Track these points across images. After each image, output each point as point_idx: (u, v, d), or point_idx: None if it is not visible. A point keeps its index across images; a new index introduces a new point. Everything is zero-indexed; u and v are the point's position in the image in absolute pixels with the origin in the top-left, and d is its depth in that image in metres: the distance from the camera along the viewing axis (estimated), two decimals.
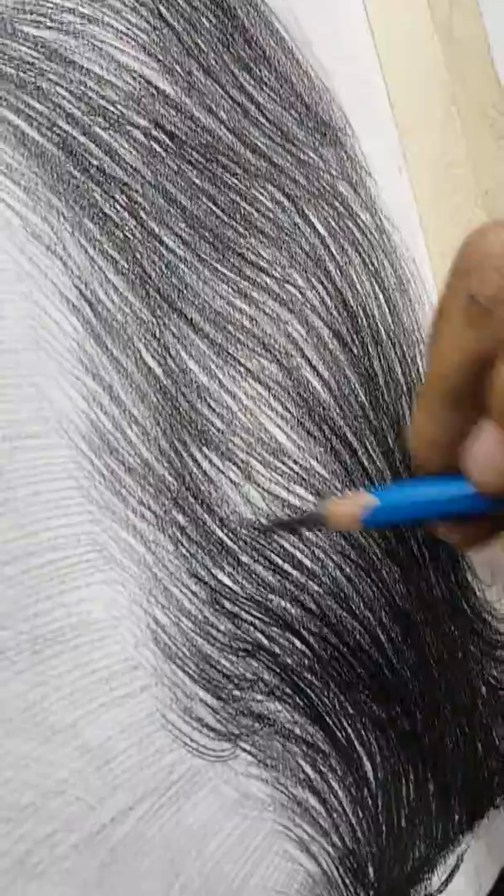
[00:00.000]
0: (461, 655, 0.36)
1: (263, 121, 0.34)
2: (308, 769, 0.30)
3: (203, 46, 0.33)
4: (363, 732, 0.32)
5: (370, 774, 0.32)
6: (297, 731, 0.30)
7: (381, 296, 0.37)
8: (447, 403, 0.26)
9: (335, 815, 0.30)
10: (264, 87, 0.35)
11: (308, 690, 0.31)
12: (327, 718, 0.31)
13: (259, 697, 0.29)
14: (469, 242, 0.25)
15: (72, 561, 0.26)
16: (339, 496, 0.32)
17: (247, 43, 0.34)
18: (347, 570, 0.33)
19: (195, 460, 0.29)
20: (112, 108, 0.30)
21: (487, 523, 0.29)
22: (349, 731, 0.31)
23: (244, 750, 0.29)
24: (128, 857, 0.26)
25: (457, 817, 0.35)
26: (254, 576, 0.30)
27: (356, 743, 0.32)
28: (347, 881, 0.31)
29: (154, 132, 0.31)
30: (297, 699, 0.30)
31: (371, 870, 0.31)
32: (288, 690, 0.30)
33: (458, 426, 0.26)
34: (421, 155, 0.41)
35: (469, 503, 0.27)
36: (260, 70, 0.34)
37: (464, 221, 0.42)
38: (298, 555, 0.31)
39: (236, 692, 0.29)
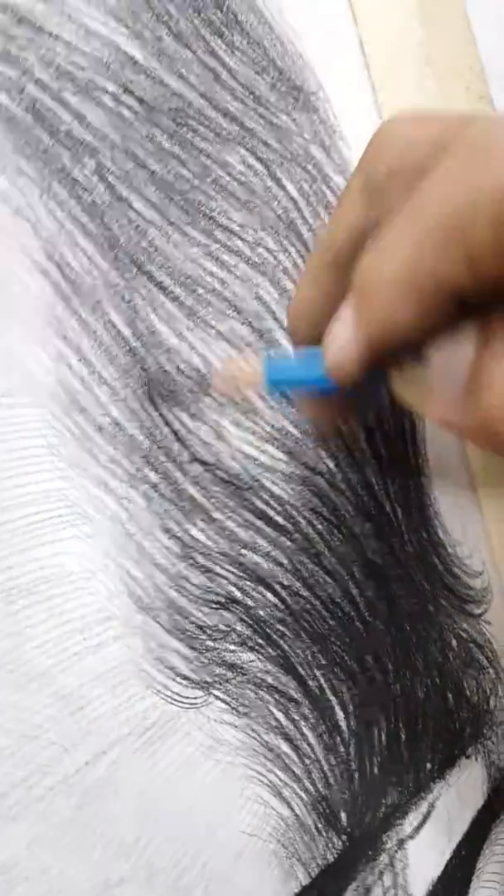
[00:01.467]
0: (432, 609, 0.36)
1: (235, 85, 0.34)
2: (280, 717, 0.31)
3: (173, 12, 0.33)
4: (335, 682, 0.33)
5: (342, 723, 0.33)
6: (270, 680, 0.31)
7: None
8: (328, 267, 0.27)
9: (307, 762, 0.31)
10: (236, 52, 0.35)
11: (280, 641, 0.31)
12: (299, 668, 0.32)
13: (232, 648, 0.30)
14: (379, 128, 0.26)
15: (43, 516, 0.27)
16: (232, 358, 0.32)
17: (218, 7, 0.34)
18: (319, 526, 0.33)
19: (166, 421, 0.30)
20: (81, 74, 0.30)
21: (340, 405, 0.30)
22: (321, 680, 0.32)
23: (217, 698, 0.29)
24: (102, 799, 0.26)
25: (428, 766, 0.36)
26: (226, 531, 0.31)
27: (328, 692, 0.32)
28: (320, 826, 0.31)
29: (123, 97, 0.31)
30: (270, 650, 0.31)
31: (343, 815, 0.32)
32: (261, 641, 0.31)
33: (333, 295, 0.26)
34: None
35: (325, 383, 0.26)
36: (232, 35, 0.35)
37: None
38: (270, 512, 0.32)
39: (209, 642, 0.30)
